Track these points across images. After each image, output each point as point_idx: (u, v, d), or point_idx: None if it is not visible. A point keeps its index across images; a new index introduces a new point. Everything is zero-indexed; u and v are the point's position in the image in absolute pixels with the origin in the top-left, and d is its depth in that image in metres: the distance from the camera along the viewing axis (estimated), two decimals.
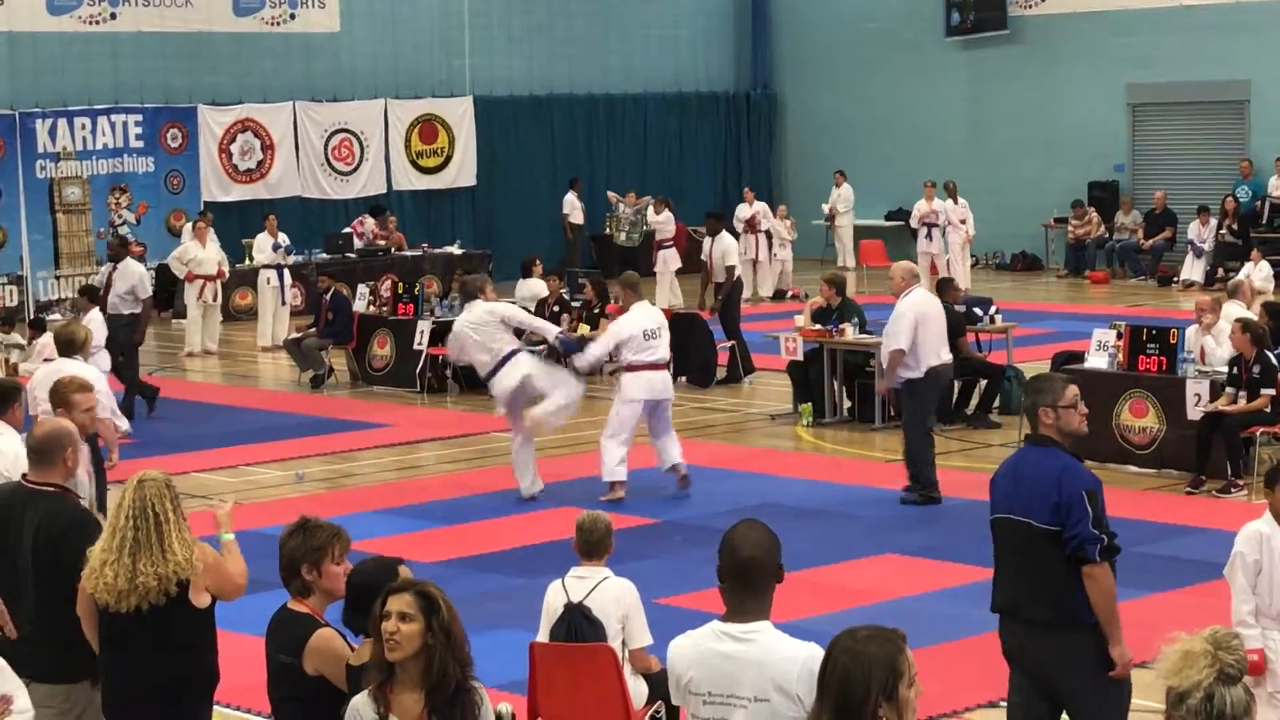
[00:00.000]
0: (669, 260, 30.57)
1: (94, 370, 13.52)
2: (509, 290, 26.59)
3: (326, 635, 6.91)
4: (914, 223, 33.32)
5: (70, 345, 13.89)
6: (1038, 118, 36.08)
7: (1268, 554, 8.73)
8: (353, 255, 31.66)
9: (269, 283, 27.99)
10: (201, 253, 27.20)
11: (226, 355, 27.14)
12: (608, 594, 9.28)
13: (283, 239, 28.57)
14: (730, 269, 23.96)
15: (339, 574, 7.03)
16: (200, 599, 7.60)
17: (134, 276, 21.74)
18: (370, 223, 32.45)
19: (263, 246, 28.51)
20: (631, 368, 16.49)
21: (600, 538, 9.44)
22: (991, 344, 21.93)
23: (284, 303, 28.04)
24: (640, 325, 16.48)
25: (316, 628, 6.92)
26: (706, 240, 24.82)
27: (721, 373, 23.14)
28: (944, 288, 20.00)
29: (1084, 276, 34.30)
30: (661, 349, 16.65)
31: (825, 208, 36.80)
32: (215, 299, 27.31)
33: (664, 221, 31.22)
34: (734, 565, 5.88)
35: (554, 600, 9.36)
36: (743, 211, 33.75)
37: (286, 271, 28.31)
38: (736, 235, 28.65)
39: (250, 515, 15.67)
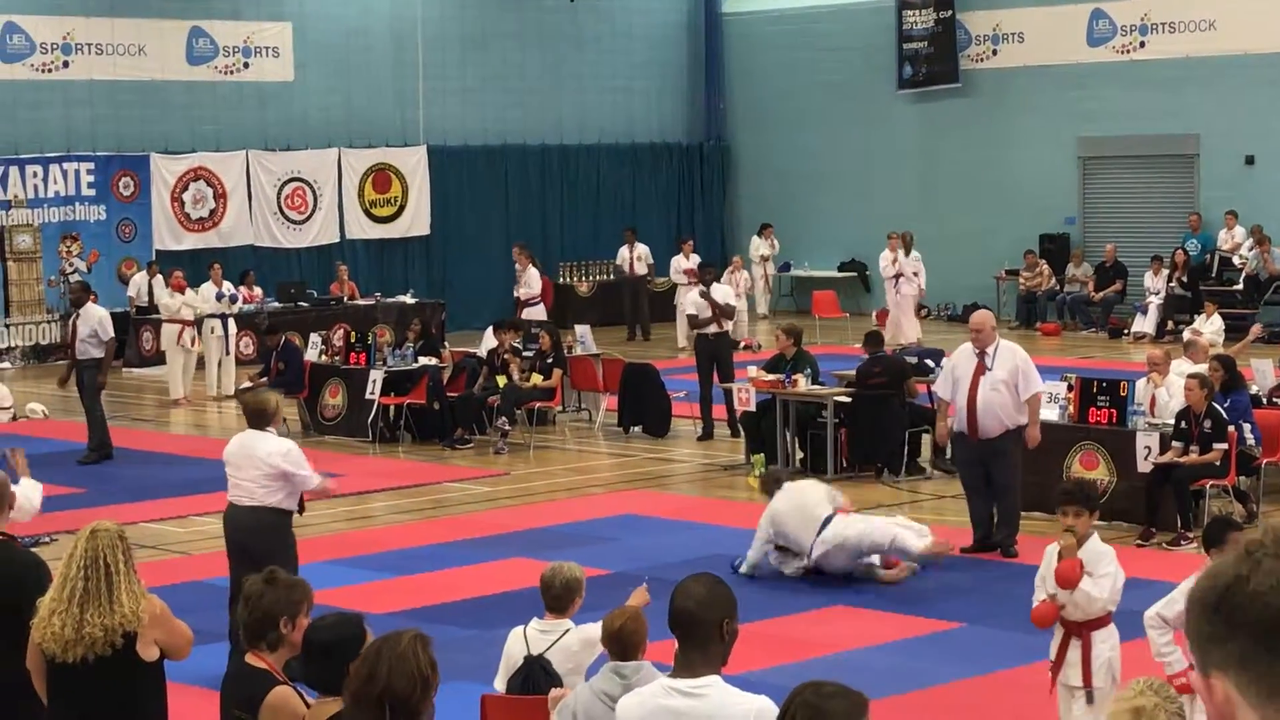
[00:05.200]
0: (534, 316, 28.20)
1: None
2: (473, 340, 26.53)
3: (283, 693, 6.82)
4: (885, 275, 32.42)
5: (261, 417, 12.59)
6: (989, 170, 36.28)
7: None
8: (305, 304, 31.56)
9: (213, 332, 27.84)
10: (180, 299, 27.41)
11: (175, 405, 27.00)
12: (570, 644, 9.07)
13: (228, 288, 28.41)
14: (690, 318, 23.63)
15: (305, 628, 6.95)
16: (148, 652, 7.55)
17: (94, 320, 21.68)
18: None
19: (207, 296, 28.27)
20: None
21: (560, 593, 9.15)
22: None
23: (228, 352, 27.88)
24: None
25: (274, 684, 6.85)
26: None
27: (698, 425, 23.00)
28: (874, 339, 20.60)
29: (1035, 328, 34.42)
30: None
31: (757, 256, 36.59)
32: (194, 344, 27.32)
33: (530, 278, 29.29)
34: (672, 618, 5.87)
35: (514, 649, 9.19)
36: (679, 263, 33.60)
37: (231, 321, 28.16)
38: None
39: (198, 566, 15.60)
